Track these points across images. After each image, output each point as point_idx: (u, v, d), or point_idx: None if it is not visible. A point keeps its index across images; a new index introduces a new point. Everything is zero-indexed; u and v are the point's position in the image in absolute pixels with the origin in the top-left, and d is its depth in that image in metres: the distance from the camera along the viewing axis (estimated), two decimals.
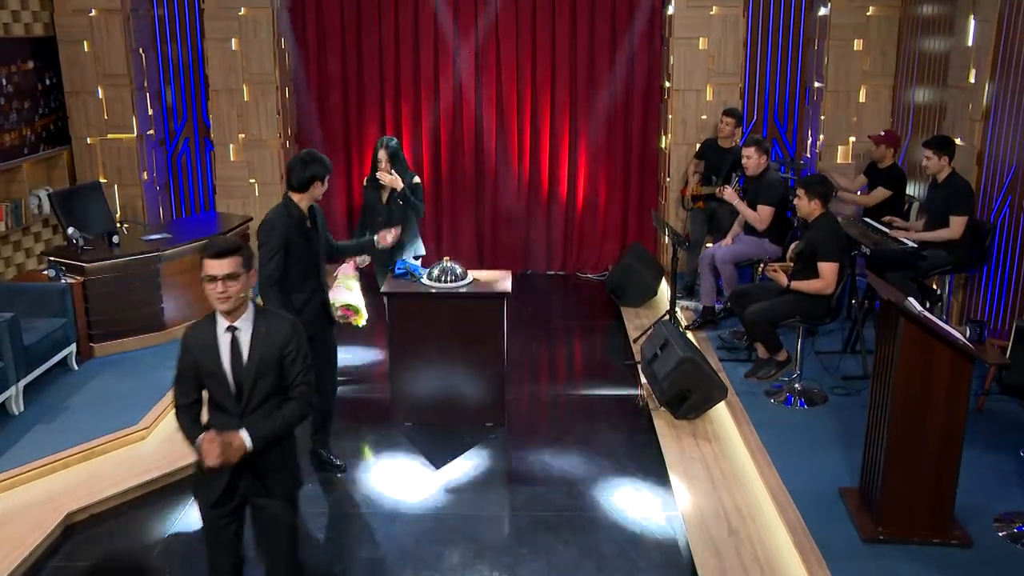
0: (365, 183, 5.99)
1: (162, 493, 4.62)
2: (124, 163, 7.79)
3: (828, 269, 5.17)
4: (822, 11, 7.61)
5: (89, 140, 7.74)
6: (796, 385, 5.48)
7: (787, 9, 7.91)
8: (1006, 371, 4.42)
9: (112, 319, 6.22)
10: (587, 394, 5.96)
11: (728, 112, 7.28)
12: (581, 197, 8.47)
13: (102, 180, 7.68)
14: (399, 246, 5.63)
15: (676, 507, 4.42)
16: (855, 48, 7.50)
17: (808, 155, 7.97)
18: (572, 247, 8.59)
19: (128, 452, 4.98)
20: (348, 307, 5.15)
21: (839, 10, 7.43)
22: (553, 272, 8.59)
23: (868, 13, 7.44)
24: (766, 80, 8.07)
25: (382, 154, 5.76)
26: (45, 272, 6.14)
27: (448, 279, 5.27)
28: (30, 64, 7.21)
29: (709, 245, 7.16)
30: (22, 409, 5.34)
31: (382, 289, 5.38)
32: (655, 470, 4.82)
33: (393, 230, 4.89)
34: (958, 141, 5.98)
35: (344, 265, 5.43)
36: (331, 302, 4.68)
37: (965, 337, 3.78)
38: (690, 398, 5.20)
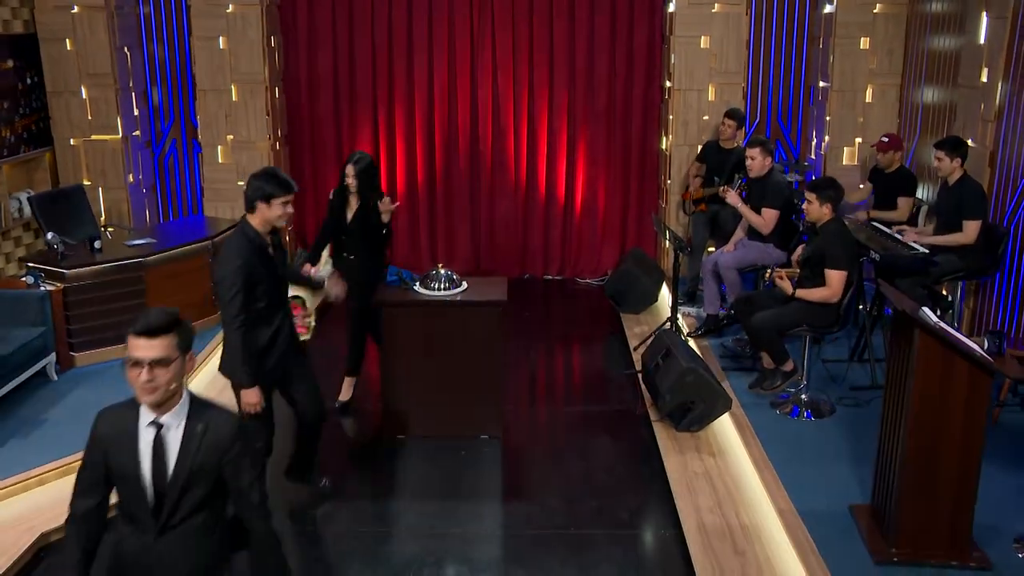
0: (332, 196, 5.38)
1: None
2: (109, 165, 7.63)
3: (835, 277, 5.00)
4: (827, 8, 7.46)
5: (72, 141, 7.58)
6: (803, 396, 5.31)
7: (791, 6, 7.75)
8: None
9: (94, 327, 6.03)
10: (586, 406, 5.81)
11: (729, 113, 7.13)
12: (580, 200, 8.30)
13: (86, 183, 7.52)
14: (364, 267, 5.28)
15: (679, 525, 4.26)
16: (861, 46, 7.37)
17: (812, 157, 7.81)
18: (570, 251, 8.42)
19: None
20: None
21: (845, 7, 7.31)
22: (551, 277, 8.43)
23: (875, 10, 7.32)
24: (769, 79, 7.92)
25: (350, 169, 5.17)
26: (24, 279, 5.97)
27: (441, 286, 5.10)
28: (9, 63, 7.03)
29: (711, 250, 7.00)
30: None
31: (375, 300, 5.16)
32: (656, 485, 4.67)
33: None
34: (969, 143, 5.81)
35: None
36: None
37: (983, 349, 3.63)
38: (693, 410, 5.03)
